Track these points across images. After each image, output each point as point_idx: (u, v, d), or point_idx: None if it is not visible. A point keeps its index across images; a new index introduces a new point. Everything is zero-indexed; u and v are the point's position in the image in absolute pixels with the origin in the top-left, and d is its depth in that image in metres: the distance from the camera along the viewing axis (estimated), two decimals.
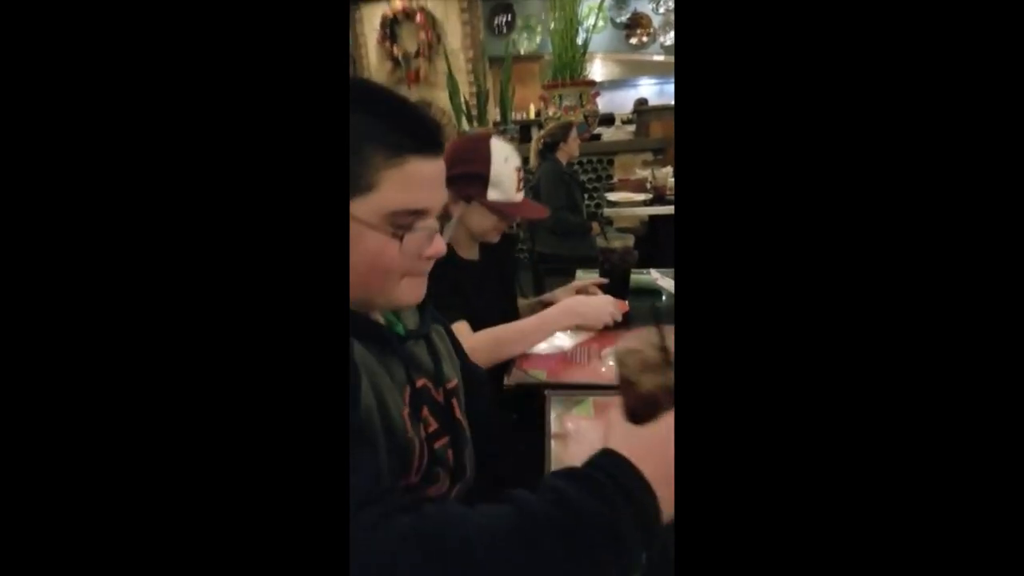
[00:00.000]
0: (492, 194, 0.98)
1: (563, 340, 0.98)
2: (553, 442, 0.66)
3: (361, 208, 0.47)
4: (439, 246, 0.53)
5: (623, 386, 0.49)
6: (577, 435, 0.68)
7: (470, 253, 1.09)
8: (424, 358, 0.60)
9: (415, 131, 0.49)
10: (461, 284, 1.00)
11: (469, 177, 0.98)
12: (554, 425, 0.70)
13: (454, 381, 0.63)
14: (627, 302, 1.09)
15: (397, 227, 0.48)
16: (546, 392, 0.78)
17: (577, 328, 0.99)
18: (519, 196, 1.01)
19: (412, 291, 0.53)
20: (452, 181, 0.97)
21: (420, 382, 0.57)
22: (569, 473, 0.39)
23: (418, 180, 0.49)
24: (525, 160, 1.77)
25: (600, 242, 1.21)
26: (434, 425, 0.57)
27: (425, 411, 0.57)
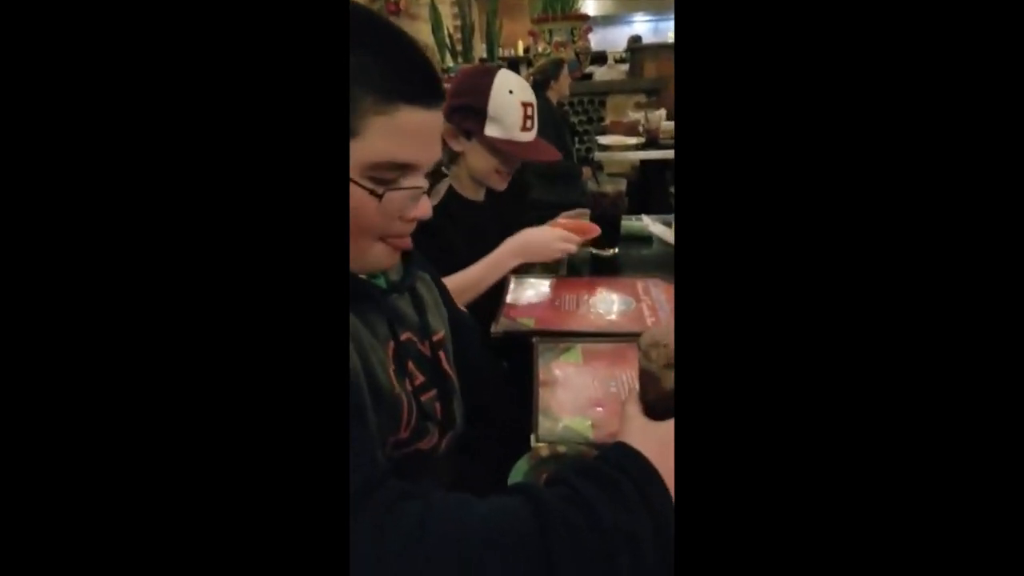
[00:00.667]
0: (491, 130, 0.90)
1: (543, 287, 0.96)
2: (541, 390, 0.66)
3: None
4: (424, 208, 0.48)
5: (644, 379, 0.46)
6: (565, 382, 0.67)
7: (474, 194, 1.02)
8: (408, 310, 0.57)
9: (413, 76, 0.43)
10: (459, 225, 0.94)
11: (467, 110, 0.90)
12: (542, 373, 0.69)
13: (441, 332, 0.61)
14: (613, 244, 1.06)
15: (378, 181, 0.43)
16: (534, 340, 0.76)
17: (529, 263, 0.94)
18: (526, 135, 0.92)
19: (387, 255, 0.49)
20: (451, 114, 0.91)
21: (404, 336, 0.55)
22: (582, 467, 0.38)
23: (408, 131, 0.43)
24: None
25: (591, 186, 1.16)
26: (420, 379, 0.55)
27: (411, 365, 0.54)
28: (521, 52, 4.93)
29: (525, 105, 0.91)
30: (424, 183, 0.47)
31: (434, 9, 3.88)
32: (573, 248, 0.94)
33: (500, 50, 4.30)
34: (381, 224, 0.46)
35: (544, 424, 0.59)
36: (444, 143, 0.94)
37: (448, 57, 3.88)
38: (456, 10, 4.14)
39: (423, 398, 0.55)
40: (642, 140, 2.65)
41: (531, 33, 3.60)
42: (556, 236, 0.94)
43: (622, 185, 1.10)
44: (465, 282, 0.88)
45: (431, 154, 0.47)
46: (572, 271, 1.07)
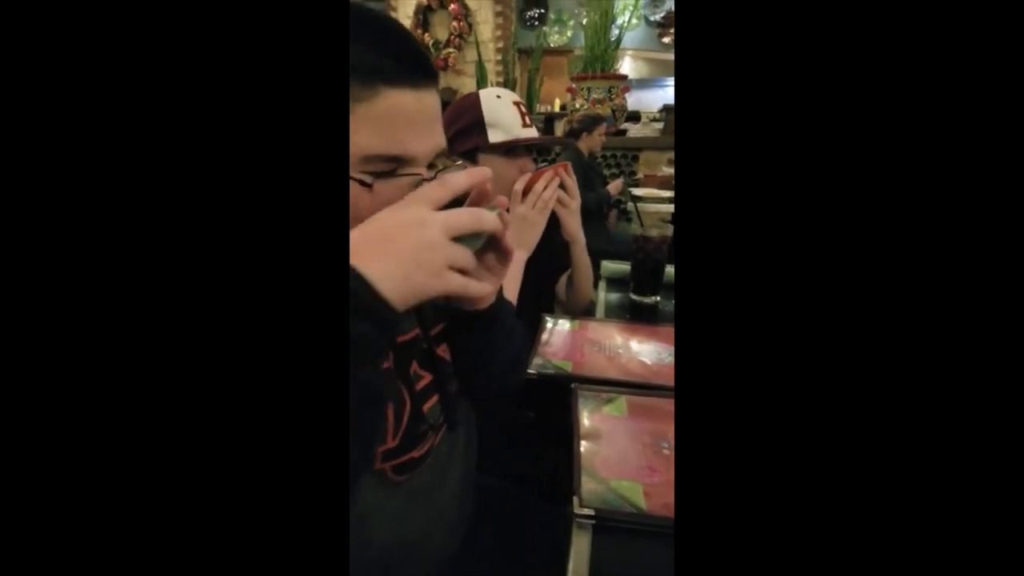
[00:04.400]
0: (495, 135, 0.90)
1: (576, 328, 0.88)
2: (583, 444, 0.57)
3: None
4: None
5: None
6: (610, 438, 0.58)
7: None
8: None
9: (394, 54, 0.38)
10: None
11: (466, 130, 0.91)
12: (583, 424, 0.61)
13: (440, 323, 0.54)
14: (655, 291, 0.99)
15: (375, 175, 0.38)
16: (573, 386, 0.68)
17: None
18: (529, 131, 0.91)
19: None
20: (452, 143, 0.92)
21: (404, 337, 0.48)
22: None
23: (394, 117, 0.38)
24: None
25: (635, 229, 1.10)
26: (426, 378, 0.50)
27: (415, 366, 0.49)
28: (558, 109, 5.08)
29: (517, 104, 0.92)
30: (426, 175, 0.41)
31: (480, 66, 4.07)
32: (553, 189, 0.87)
33: (538, 106, 4.45)
34: None
35: (588, 485, 0.51)
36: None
37: None
38: (500, 67, 4.33)
39: (426, 406, 0.50)
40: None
41: (569, 90, 3.69)
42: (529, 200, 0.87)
43: (668, 230, 1.04)
44: None
45: (427, 143, 0.40)
46: (608, 316, 1.00)
